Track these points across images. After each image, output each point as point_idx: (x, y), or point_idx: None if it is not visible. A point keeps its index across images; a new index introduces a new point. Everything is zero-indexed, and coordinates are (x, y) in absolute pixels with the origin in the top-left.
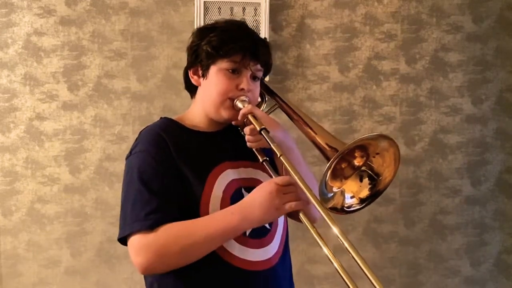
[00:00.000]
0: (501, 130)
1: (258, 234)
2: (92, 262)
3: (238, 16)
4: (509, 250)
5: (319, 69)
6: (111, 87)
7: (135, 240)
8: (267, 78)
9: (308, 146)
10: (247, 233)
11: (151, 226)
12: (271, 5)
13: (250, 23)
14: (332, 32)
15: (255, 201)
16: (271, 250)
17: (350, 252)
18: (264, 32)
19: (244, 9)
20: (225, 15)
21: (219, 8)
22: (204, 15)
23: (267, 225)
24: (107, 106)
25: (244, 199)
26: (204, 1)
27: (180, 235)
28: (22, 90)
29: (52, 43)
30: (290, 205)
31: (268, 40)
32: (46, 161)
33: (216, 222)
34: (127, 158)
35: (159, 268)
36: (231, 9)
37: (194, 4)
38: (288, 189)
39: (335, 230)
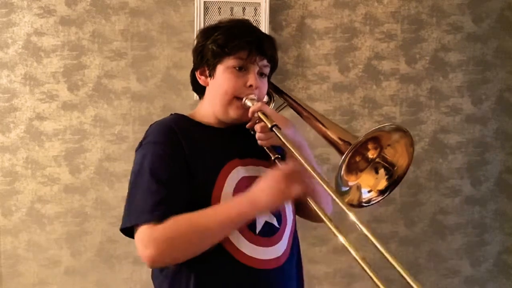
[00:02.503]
0: (501, 130)
1: (268, 233)
2: (92, 262)
3: (238, 16)
4: (509, 250)
5: (319, 69)
6: (111, 87)
7: (143, 233)
8: None
9: (310, 146)
10: (257, 231)
11: (159, 218)
12: (271, 5)
13: None
14: (332, 32)
15: (262, 187)
16: (280, 248)
17: (373, 241)
18: (264, 32)
19: (244, 9)
20: (225, 15)
21: (219, 8)
22: (204, 15)
23: (276, 224)
24: (107, 106)
25: (251, 188)
26: (204, 1)
27: (189, 224)
28: (22, 90)
29: (52, 43)
30: (296, 189)
31: None
32: (46, 161)
33: (225, 210)
34: (137, 149)
35: (168, 259)
36: (231, 9)
37: (194, 4)
38: (294, 175)
39: (352, 216)
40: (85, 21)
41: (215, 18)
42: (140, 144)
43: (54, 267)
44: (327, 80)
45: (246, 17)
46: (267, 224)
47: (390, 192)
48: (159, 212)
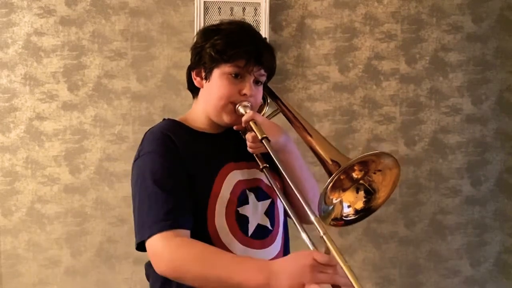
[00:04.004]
0: (501, 130)
1: (261, 235)
2: (92, 262)
3: (238, 16)
4: (509, 250)
5: (319, 69)
6: (111, 87)
7: (155, 243)
8: None
9: (305, 147)
10: (250, 234)
11: (171, 226)
12: (271, 5)
13: (250, 23)
14: (332, 32)
15: (286, 269)
16: (273, 250)
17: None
18: (264, 32)
19: (244, 9)
20: (225, 15)
21: (219, 8)
22: (204, 15)
23: (269, 226)
24: (107, 106)
25: (278, 260)
26: (204, 1)
27: (202, 261)
28: (22, 90)
29: (52, 43)
30: (319, 280)
31: (268, 40)
32: (46, 161)
33: (240, 270)
34: (135, 161)
35: (173, 279)
36: (231, 9)
37: (194, 4)
38: (324, 269)
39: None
40: (85, 21)
41: (215, 18)
42: (138, 155)
43: (54, 267)
44: (327, 80)
45: (246, 17)
46: (259, 227)
47: (361, 219)
48: (171, 221)
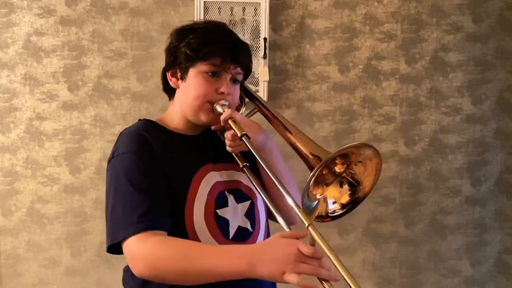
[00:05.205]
0: (501, 130)
1: (242, 237)
2: (92, 262)
3: (238, 16)
4: (509, 250)
5: (319, 69)
6: (111, 87)
7: (131, 245)
8: (267, 78)
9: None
10: (231, 237)
11: (147, 228)
12: (271, 5)
13: (250, 23)
14: (332, 32)
15: (269, 254)
16: None
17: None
18: (264, 32)
19: (244, 9)
20: (225, 15)
21: (219, 8)
22: (204, 15)
23: (249, 227)
24: (107, 106)
25: (259, 245)
26: (204, 1)
27: (180, 256)
28: (22, 90)
29: (52, 43)
30: (299, 280)
31: (268, 40)
32: (46, 161)
33: (221, 259)
34: (109, 161)
35: (153, 279)
36: (231, 9)
37: (194, 4)
38: (309, 261)
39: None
40: (85, 21)
41: (215, 18)
42: (112, 155)
43: (54, 267)
44: (327, 80)
45: (246, 17)
46: (240, 229)
47: (349, 211)
48: (146, 222)
